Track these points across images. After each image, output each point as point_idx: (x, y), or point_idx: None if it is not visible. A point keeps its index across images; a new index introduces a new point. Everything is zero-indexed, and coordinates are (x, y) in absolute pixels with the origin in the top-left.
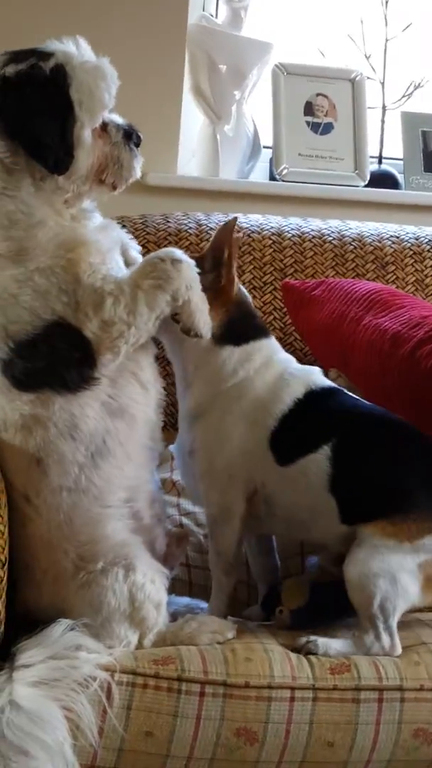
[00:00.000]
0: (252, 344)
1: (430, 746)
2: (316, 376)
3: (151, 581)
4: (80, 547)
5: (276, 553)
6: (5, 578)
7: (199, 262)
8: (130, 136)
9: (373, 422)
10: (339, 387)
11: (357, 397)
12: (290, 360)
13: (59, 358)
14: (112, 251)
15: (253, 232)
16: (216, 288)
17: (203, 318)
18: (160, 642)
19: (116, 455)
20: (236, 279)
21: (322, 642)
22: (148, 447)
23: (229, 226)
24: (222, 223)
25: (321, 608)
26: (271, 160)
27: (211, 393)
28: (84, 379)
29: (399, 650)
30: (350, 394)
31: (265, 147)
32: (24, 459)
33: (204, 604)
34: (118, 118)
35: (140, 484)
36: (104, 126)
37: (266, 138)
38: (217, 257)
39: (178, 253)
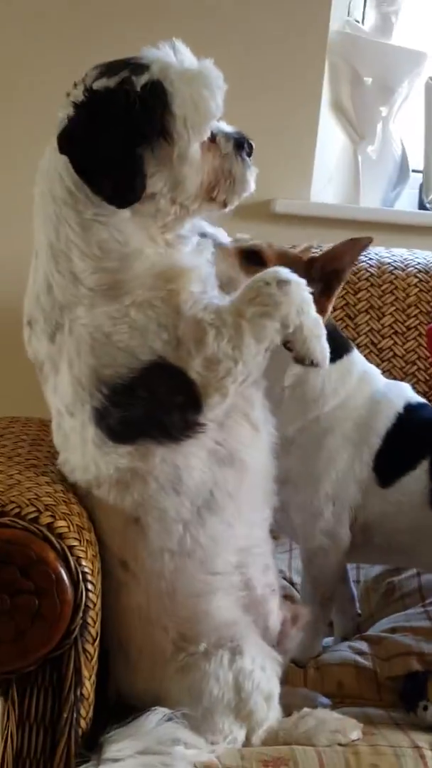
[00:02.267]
0: (346, 358)
1: None
2: (409, 391)
3: (261, 668)
4: (182, 624)
5: (351, 582)
6: (95, 656)
7: (306, 266)
8: (242, 146)
9: None
10: (427, 402)
11: None
12: (378, 372)
13: (160, 403)
14: (211, 276)
15: (396, 268)
16: (316, 301)
17: (320, 344)
18: (271, 740)
19: (225, 509)
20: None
21: None
22: (261, 500)
23: (362, 244)
24: (352, 238)
25: None
26: (421, 186)
27: (311, 415)
28: (189, 425)
29: None
30: None
31: (414, 171)
32: (120, 518)
33: (324, 699)
34: (225, 126)
35: (252, 546)
36: (212, 137)
37: (417, 161)
38: (334, 270)
39: (284, 272)
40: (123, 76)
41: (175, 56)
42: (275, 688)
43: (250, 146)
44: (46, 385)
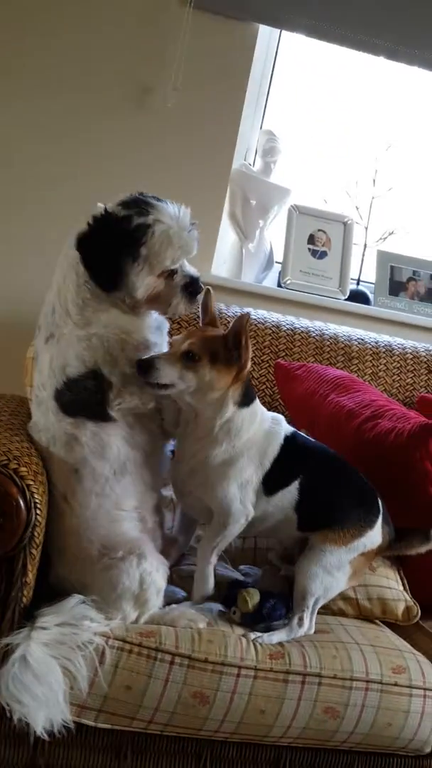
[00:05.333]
0: (253, 405)
1: (335, 720)
2: (285, 423)
3: (156, 570)
4: (103, 539)
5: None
6: (38, 557)
7: (223, 340)
8: (188, 286)
9: (324, 462)
10: (296, 430)
11: (308, 437)
12: (264, 410)
13: (90, 396)
14: (158, 345)
15: (258, 322)
16: (238, 365)
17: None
18: (150, 621)
19: (132, 474)
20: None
21: (266, 637)
22: (155, 474)
23: (244, 320)
24: (239, 314)
25: (263, 615)
26: (279, 272)
27: (234, 445)
28: (103, 416)
29: (313, 630)
30: (303, 434)
31: (276, 262)
32: (66, 468)
33: (181, 593)
34: (191, 270)
35: (147, 499)
36: (173, 273)
37: (278, 255)
38: (236, 340)
39: None
40: (129, 213)
41: (173, 215)
42: (163, 585)
43: (196, 288)
44: (35, 368)
